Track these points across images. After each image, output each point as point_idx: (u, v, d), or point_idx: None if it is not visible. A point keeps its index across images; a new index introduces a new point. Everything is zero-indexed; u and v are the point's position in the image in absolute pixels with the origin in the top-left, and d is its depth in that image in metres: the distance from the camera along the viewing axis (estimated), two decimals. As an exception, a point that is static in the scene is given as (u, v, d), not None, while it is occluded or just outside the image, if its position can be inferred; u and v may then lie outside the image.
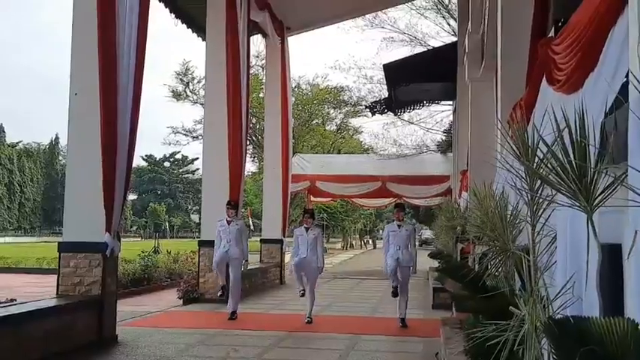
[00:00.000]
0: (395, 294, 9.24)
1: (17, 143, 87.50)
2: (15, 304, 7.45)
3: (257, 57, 26.80)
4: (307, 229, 9.58)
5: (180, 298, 11.63)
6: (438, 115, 24.09)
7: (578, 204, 2.41)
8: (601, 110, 2.86)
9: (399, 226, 9.31)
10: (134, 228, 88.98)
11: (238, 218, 10.35)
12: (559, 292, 2.83)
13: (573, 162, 2.37)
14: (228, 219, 9.85)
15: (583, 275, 2.75)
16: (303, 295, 9.60)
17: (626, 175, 2.24)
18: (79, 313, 7.20)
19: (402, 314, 9.19)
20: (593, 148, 2.47)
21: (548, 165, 2.51)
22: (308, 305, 9.52)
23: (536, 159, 2.79)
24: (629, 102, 2.40)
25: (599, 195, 2.35)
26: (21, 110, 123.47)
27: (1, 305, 7.58)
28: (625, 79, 2.69)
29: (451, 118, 22.20)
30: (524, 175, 3.07)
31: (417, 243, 9.99)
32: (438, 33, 23.57)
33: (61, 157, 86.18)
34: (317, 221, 40.33)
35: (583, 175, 2.35)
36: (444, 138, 26.37)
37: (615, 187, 2.29)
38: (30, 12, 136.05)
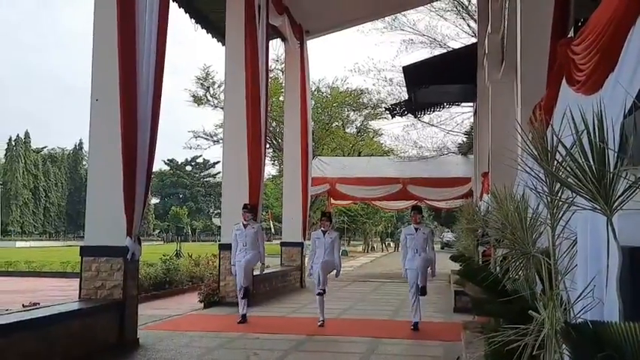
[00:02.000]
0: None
1: (42, 149, 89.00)
2: (38, 308, 7.58)
3: (277, 61, 26.91)
4: (325, 233, 9.56)
5: (201, 302, 11.69)
6: (459, 116, 23.96)
7: (597, 206, 2.38)
8: (620, 111, 2.82)
9: (416, 229, 9.21)
10: (156, 231, 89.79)
11: (255, 222, 10.35)
12: (579, 296, 2.79)
13: (592, 164, 2.34)
14: (244, 222, 9.85)
15: (604, 279, 2.71)
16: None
17: (646, 177, 2.20)
18: (101, 316, 7.28)
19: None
20: (612, 150, 2.43)
21: (567, 168, 2.48)
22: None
23: (555, 162, 2.76)
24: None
25: (618, 197, 2.32)
26: (46, 116, 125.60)
27: (26, 309, 7.71)
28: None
29: (472, 119, 22.05)
30: (543, 178, 3.05)
31: (434, 246, 9.71)
32: (457, 34, 23.51)
33: (84, 162, 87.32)
34: (337, 224, 40.30)
35: (602, 178, 2.32)
36: (464, 140, 26.22)
37: (635, 189, 2.26)
38: (56, 18, 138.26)
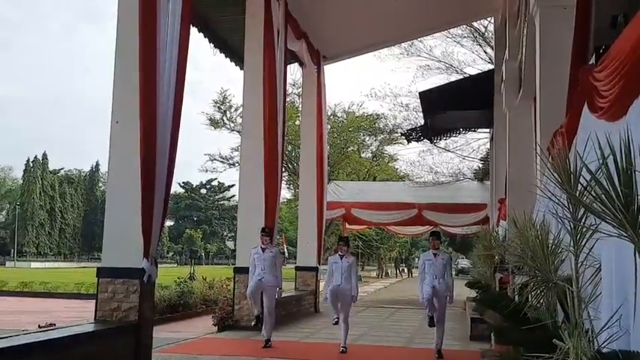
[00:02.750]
0: (431, 324, 9.02)
1: (59, 170, 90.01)
2: (54, 329, 7.57)
3: (294, 85, 27.14)
4: (342, 257, 9.51)
5: (215, 325, 11.64)
6: (475, 142, 23.94)
7: (625, 233, 2.34)
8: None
9: (434, 254, 9.10)
10: (170, 254, 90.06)
11: (273, 245, 10.29)
12: (605, 325, 2.75)
13: (619, 190, 2.31)
14: (262, 246, 9.83)
15: (631, 308, 2.66)
16: (336, 323, 9.49)
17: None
18: (116, 338, 7.25)
19: (439, 345, 8.98)
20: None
21: (592, 193, 2.45)
22: (342, 334, 9.38)
23: (579, 187, 2.74)
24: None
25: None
26: (64, 137, 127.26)
27: (42, 330, 7.72)
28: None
29: (488, 145, 22.00)
30: (566, 204, 3.01)
31: (453, 272, 9.57)
32: (474, 60, 23.50)
33: (100, 184, 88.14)
34: (352, 249, 40.12)
35: (630, 204, 2.29)
36: (480, 166, 26.13)
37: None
38: (81, 42, 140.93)
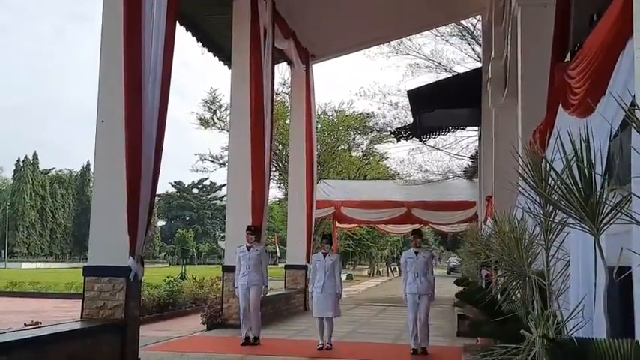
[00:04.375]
0: (415, 353, 8.99)
1: (50, 170, 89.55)
2: (39, 327, 7.60)
3: (283, 84, 27.15)
4: (325, 255, 9.50)
5: (203, 323, 11.68)
6: (464, 140, 24.06)
7: (585, 226, 2.42)
8: (608, 135, 2.87)
9: (416, 252, 9.19)
10: (162, 254, 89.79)
11: (259, 244, 10.32)
12: (570, 315, 2.82)
13: (579, 185, 2.39)
14: (248, 244, 9.85)
15: (593, 298, 2.74)
16: (321, 349, 9.26)
17: (630, 197, 2.25)
18: (102, 336, 7.28)
19: (424, 343, 9.04)
20: (600, 171, 2.48)
21: (558, 191, 2.53)
22: (326, 332, 9.40)
23: (549, 186, 2.82)
24: (632, 126, 2.41)
25: (605, 217, 2.36)
26: (54, 139, 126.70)
27: (26, 328, 7.74)
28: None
29: (477, 143, 22.12)
30: (538, 200, 3.10)
31: (434, 270, 9.69)
32: (463, 59, 23.62)
33: (91, 184, 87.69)
34: (342, 248, 40.08)
35: (588, 198, 2.37)
36: (470, 164, 26.27)
37: (620, 209, 2.30)
38: (71, 45, 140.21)
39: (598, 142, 2.61)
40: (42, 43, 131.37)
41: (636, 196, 2.16)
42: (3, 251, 76.58)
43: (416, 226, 21.27)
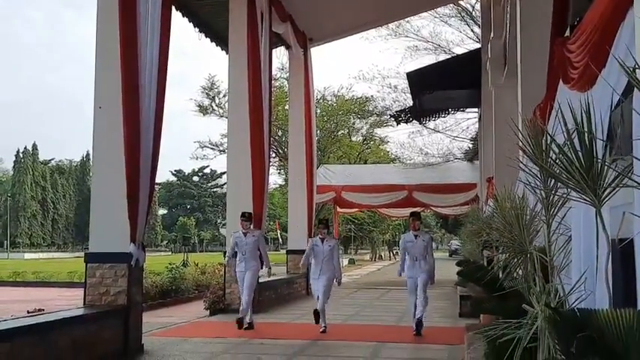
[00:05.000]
0: (419, 326, 8.80)
1: (50, 161, 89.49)
2: (43, 314, 7.62)
3: (282, 69, 27.01)
4: (323, 240, 9.26)
5: (206, 309, 11.70)
6: (464, 122, 23.94)
7: (587, 198, 2.40)
8: (610, 106, 2.84)
9: (415, 235, 8.98)
10: (164, 242, 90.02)
11: (255, 229, 10.15)
12: (572, 288, 2.81)
13: (580, 155, 2.36)
14: (243, 231, 9.68)
15: (595, 271, 2.73)
16: (324, 331, 9.06)
17: (632, 168, 2.22)
18: (106, 322, 7.30)
19: (420, 314, 8.77)
20: (601, 142, 2.45)
21: (560, 164, 2.51)
22: (321, 317, 9.19)
23: (550, 159, 2.79)
24: (633, 95, 2.38)
25: (606, 188, 2.34)
26: (54, 130, 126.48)
27: (30, 315, 7.76)
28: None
29: (477, 125, 22.05)
30: (539, 175, 3.08)
31: (433, 252, 9.42)
32: (462, 40, 23.51)
33: (91, 174, 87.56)
34: (344, 232, 39.98)
35: (590, 168, 2.34)
36: (470, 146, 26.18)
37: (622, 180, 2.27)
38: (67, 33, 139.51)
39: (599, 114, 2.58)
40: (35, 31, 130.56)
41: (637, 158, 2.14)
42: (5, 242, 76.76)
43: (419, 210, 21.27)
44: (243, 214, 9.90)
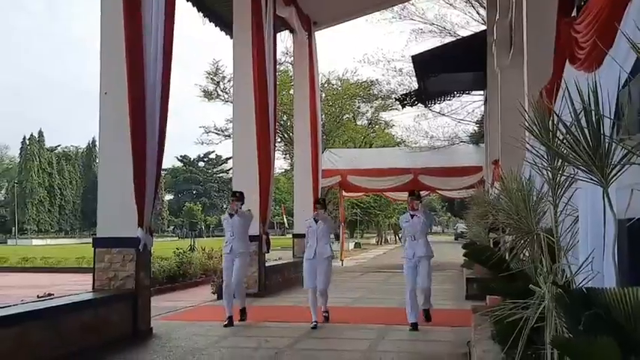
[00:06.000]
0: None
1: (56, 147, 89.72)
2: (53, 299, 7.70)
3: (286, 54, 26.90)
4: (317, 221, 8.82)
5: (213, 293, 11.78)
6: (470, 105, 23.83)
7: (594, 177, 2.40)
8: (617, 85, 2.83)
9: (412, 216, 8.52)
10: (171, 227, 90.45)
11: (245, 210, 9.31)
12: (579, 269, 2.82)
13: (587, 134, 2.36)
14: (230, 211, 9.08)
15: (602, 251, 2.73)
16: (315, 327, 8.40)
17: (640, 147, 2.21)
18: (114, 306, 7.37)
19: (425, 305, 8.46)
20: (609, 122, 2.45)
21: (567, 143, 2.50)
22: (321, 301, 8.79)
23: (557, 139, 2.79)
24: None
25: (614, 167, 2.34)
26: (58, 119, 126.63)
27: (40, 299, 7.84)
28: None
29: (482, 108, 21.95)
30: (545, 156, 3.08)
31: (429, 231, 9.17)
32: (467, 22, 23.31)
33: (98, 160, 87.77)
34: (349, 216, 39.89)
35: (597, 148, 2.34)
36: (476, 129, 26.11)
37: (630, 159, 2.27)
38: (65, 22, 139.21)
39: (606, 93, 2.57)
40: (35, 18, 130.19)
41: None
42: (13, 228, 77.30)
43: (424, 194, 21.17)
44: (233, 193, 9.44)
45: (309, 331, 8.09)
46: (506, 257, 4.80)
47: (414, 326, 8.07)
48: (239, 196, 9.24)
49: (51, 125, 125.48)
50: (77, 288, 11.56)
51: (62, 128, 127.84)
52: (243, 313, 9.03)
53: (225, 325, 8.47)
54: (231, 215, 9.00)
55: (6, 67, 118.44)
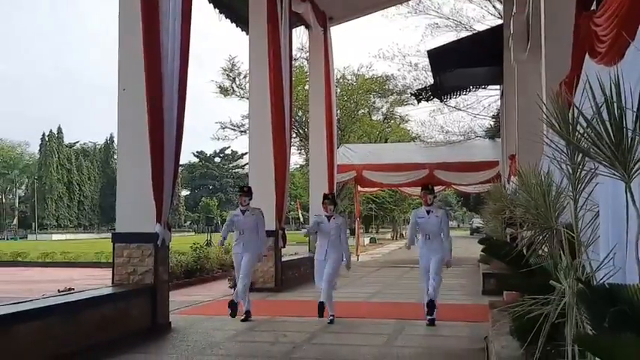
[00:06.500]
0: (431, 311, 8.00)
1: (75, 143, 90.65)
2: (73, 293, 7.80)
3: (301, 49, 26.88)
4: (329, 218, 8.33)
5: (231, 287, 11.83)
6: (486, 99, 23.68)
7: (616, 172, 2.38)
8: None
9: (427, 212, 8.00)
10: (187, 223, 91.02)
11: (255, 207, 9.02)
12: (600, 264, 2.80)
13: (609, 129, 2.34)
14: (242, 208, 8.72)
15: (624, 247, 2.71)
16: (332, 322, 8.16)
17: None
18: (134, 300, 7.45)
19: (431, 295, 7.98)
20: (632, 115, 2.42)
21: (588, 138, 2.49)
22: (325, 289, 8.31)
23: (577, 133, 2.77)
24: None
25: (637, 162, 2.32)
26: (76, 114, 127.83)
27: (61, 294, 7.94)
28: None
29: (498, 102, 21.81)
30: (565, 150, 3.06)
31: (450, 231, 8.61)
32: (483, 17, 23.11)
33: (116, 156, 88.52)
34: (365, 212, 39.71)
35: (620, 142, 2.32)
36: (492, 123, 25.93)
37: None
38: (82, 16, 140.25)
39: (628, 87, 2.55)
40: (56, 11, 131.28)
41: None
42: (33, 224, 78.29)
43: (440, 189, 21.08)
44: (241, 188, 9.05)
45: (326, 326, 8.11)
46: (525, 253, 4.79)
47: (432, 322, 7.92)
48: (247, 191, 8.89)
49: (70, 120, 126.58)
50: (96, 283, 11.69)
51: (80, 124, 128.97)
52: (247, 313, 8.63)
53: (243, 320, 8.45)
54: (243, 212, 8.67)
55: (25, 61, 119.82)
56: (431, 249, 7.94)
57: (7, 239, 65.80)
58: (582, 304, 2.04)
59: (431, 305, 7.96)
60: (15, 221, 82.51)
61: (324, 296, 8.23)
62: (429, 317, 7.93)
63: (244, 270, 8.65)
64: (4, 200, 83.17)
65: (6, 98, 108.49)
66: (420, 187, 8.62)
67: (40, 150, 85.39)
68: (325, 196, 8.75)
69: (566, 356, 2.75)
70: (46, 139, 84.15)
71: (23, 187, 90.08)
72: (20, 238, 68.57)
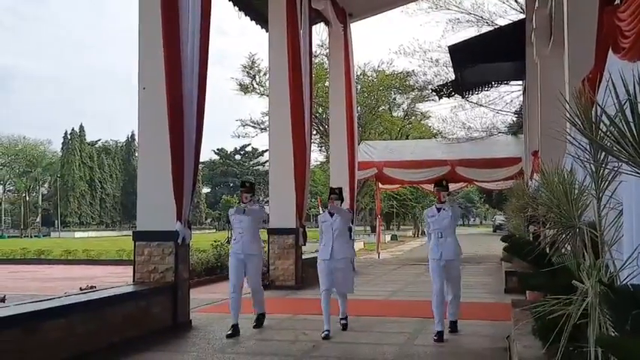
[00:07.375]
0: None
1: (96, 141, 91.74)
2: (94, 291, 7.88)
3: (321, 46, 26.86)
4: (332, 215, 7.62)
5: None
6: (508, 95, 23.45)
7: (639, 170, 2.33)
8: (665, 75, 2.73)
9: (438, 209, 7.46)
10: (208, 220, 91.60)
11: (256, 204, 8.19)
12: (624, 264, 2.75)
13: (632, 126, 2.29)
14: (242, 205, 7.90)
15: (650, 245, 2.65)
16: (327, 337, 7.23)
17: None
18: (155, 298, 7.51)
19: (454, 316, 7.53)
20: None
21: (611, 136, 2.44)
22: (341, 307, 7.85)
23: (600, 131, 2.72)
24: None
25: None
26: (99, 109, 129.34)
27: (83, 292, 8.04)
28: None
29: (521, 98, 21.56)
30: (588, 148, 3.01)
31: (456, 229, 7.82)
32: (505, 11, 22.90)
33: (137, 154, 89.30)
34: (386, 209, 39.50)
35: (643, 140, 2.27)
36: (514, 119, 25.68)
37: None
38: (106, 14, 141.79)
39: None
40: (80, 11, 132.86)
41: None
42: (56, 221, 79.43)
43: (461, 185, 20.88)
44: (243, 183, 8.20)
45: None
46: (547, 251, 4.72)
47: (440, 335, 7.05)
48: (249, 187, 8.05)
49: (92, 118, 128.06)
50: (118, 280, 11.82)
51: (103, 120, 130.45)
52: (261, 318, 8.14)
53: (229, 336, 7.33)
54: (243, 211, 7.74)
55: (50, 59, 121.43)
56: (444, 249, 7.33)
57: (31, 237, 66.83)
58: (605, 305, 2.00)
59: (453, 326, 7.52)
60: (38, 219, 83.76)
61: (342, 312, 7.83)
62: (450, 330, 7.51)
63: (253, 284, 8.03)
64: (27, 198, 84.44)
65: (34, 96, 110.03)
66: (440, 185, 8.18)
67: (62, 148, 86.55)
68: (332, 191, 7.90)
69: (589, 358, 2.70)
70: (68, 137, 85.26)
71: (46, 185, 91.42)
72: (43, 236, 69.62)
